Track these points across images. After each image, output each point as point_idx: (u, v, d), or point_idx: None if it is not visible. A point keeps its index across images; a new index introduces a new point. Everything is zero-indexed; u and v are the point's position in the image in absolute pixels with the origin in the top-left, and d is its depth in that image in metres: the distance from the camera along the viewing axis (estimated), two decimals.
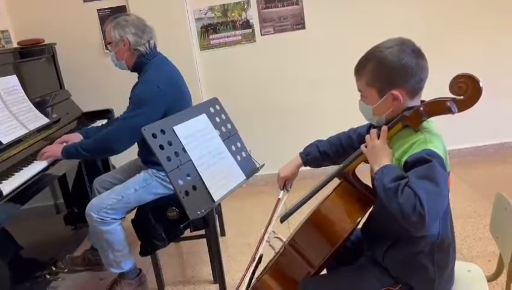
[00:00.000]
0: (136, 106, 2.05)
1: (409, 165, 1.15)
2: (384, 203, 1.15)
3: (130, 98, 2.12)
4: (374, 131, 1.27)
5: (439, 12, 3.22)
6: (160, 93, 2.04)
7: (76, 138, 2.34)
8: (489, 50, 3.30)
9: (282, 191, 1.65)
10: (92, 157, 2.30)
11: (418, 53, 1.22)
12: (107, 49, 2.25)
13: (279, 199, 1.64)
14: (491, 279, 1.44)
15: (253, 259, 1.48)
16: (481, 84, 1.11)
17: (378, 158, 1.22)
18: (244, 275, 1.49)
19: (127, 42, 2.14)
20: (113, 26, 2.15)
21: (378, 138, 1.24)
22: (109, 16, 3.11)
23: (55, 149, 2.19)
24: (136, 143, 2.17)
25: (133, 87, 2.17)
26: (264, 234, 1.53)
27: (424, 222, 1.05)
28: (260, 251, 1.50)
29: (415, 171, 1.11)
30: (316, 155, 1.59)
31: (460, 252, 2.25)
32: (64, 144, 2.23)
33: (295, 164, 1.62)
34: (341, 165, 1.38)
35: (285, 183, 1.65)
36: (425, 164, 1.11)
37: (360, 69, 1.28)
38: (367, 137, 1.28)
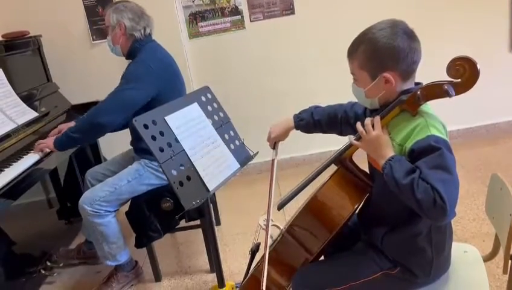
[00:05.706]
0: (127, 82, 2.07)
1: (416, 154, 1.13)
2: (401, 199, 1.13)
3: (121, 78, 2.12)
4: (368, 123, 1.22)
5: None
6: (152, 71, 2.07)
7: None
8: (478, 31, 3.30)
9: (273, 151, 1.68)
10: (85, 140, 2.26)
11: (410, 35, 1.20)
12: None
13: (273, 160, 1.66)
14: (487, 259, 1.45)
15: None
16: (478, 66, 1.10)
17: (380, 150, 1.19)
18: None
19: (123, 26, 2.16)
20: (113, 10, 2.18)
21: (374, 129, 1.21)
22: (95, 6, 3.09)
23: (49, 141, 2.18)
24: (127, 131, 2.16)
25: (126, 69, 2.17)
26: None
27: (446, 213, 1.05)
28: (257, 239, 1.49)
29: (426, 162, 1.10)
30: (309, 121, 1.60)
31: (455, 233, 2.24)
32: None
33: (287, 126, 1.64)
34: (337, 152, 1.37)
35: (276, 143, 1.67)
36: (434, 152, 1.10)
37: (352, 51, 1.25)
38: (359, 128, 1.24)
